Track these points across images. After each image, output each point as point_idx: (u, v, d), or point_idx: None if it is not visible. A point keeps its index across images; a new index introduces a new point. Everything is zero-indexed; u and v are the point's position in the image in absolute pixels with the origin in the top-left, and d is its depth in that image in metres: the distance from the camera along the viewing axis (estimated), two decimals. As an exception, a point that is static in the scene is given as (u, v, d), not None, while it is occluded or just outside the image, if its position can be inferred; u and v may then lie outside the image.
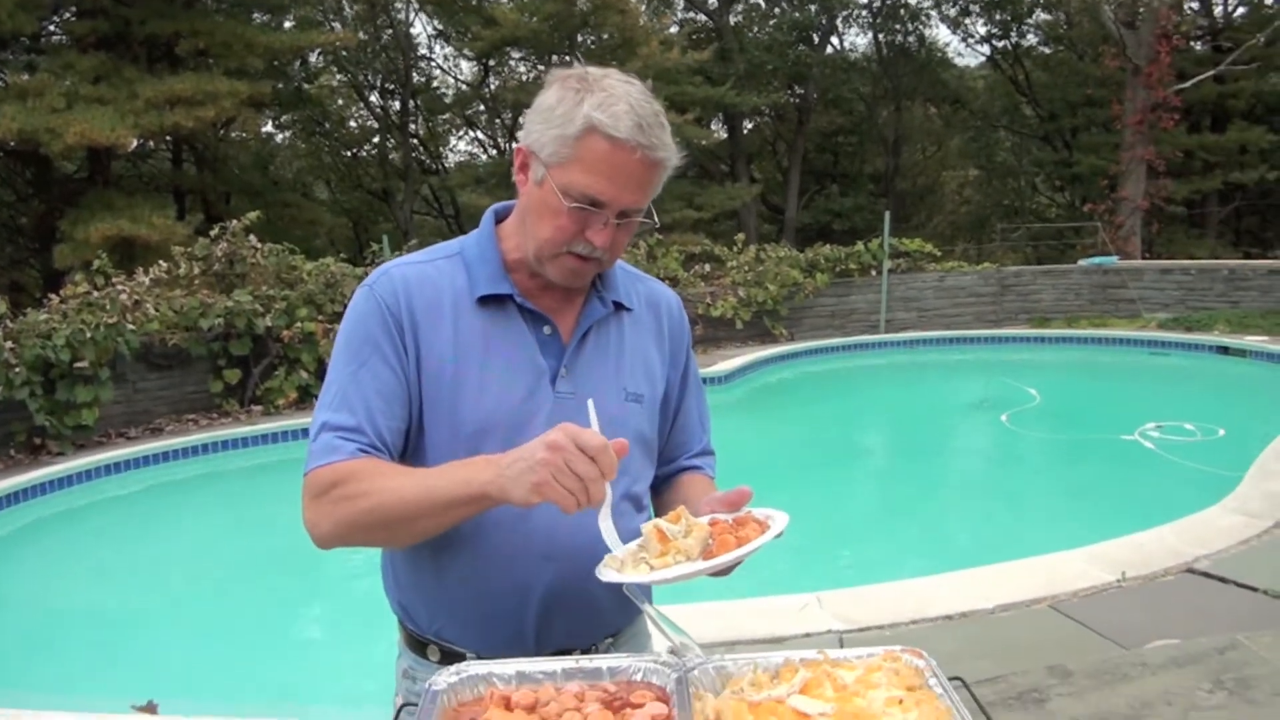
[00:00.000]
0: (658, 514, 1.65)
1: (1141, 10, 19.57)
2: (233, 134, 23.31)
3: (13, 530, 7.74)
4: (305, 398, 10.86)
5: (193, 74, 16.82)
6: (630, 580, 1.43)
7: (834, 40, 30.60)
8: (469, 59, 27.68)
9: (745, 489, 1.56)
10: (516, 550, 1.48)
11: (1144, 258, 19.34)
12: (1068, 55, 28.26)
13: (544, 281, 1.66)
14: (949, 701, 1.26)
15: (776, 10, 28.65)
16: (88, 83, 16.03)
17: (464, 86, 28.45)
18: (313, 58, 24.02)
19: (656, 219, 1.66)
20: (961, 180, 34.35)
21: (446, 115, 28.87)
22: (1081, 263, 15.82)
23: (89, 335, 9.29)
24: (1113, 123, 23.09)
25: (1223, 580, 4.78)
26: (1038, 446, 9.65)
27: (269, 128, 25.51)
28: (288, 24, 21.39)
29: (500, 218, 1.73)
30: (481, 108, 28.07)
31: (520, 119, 28.11)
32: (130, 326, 9.87)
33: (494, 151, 29.09)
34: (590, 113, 1.50)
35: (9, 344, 8.90)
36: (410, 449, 1.63)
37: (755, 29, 28.55)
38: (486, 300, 1.63)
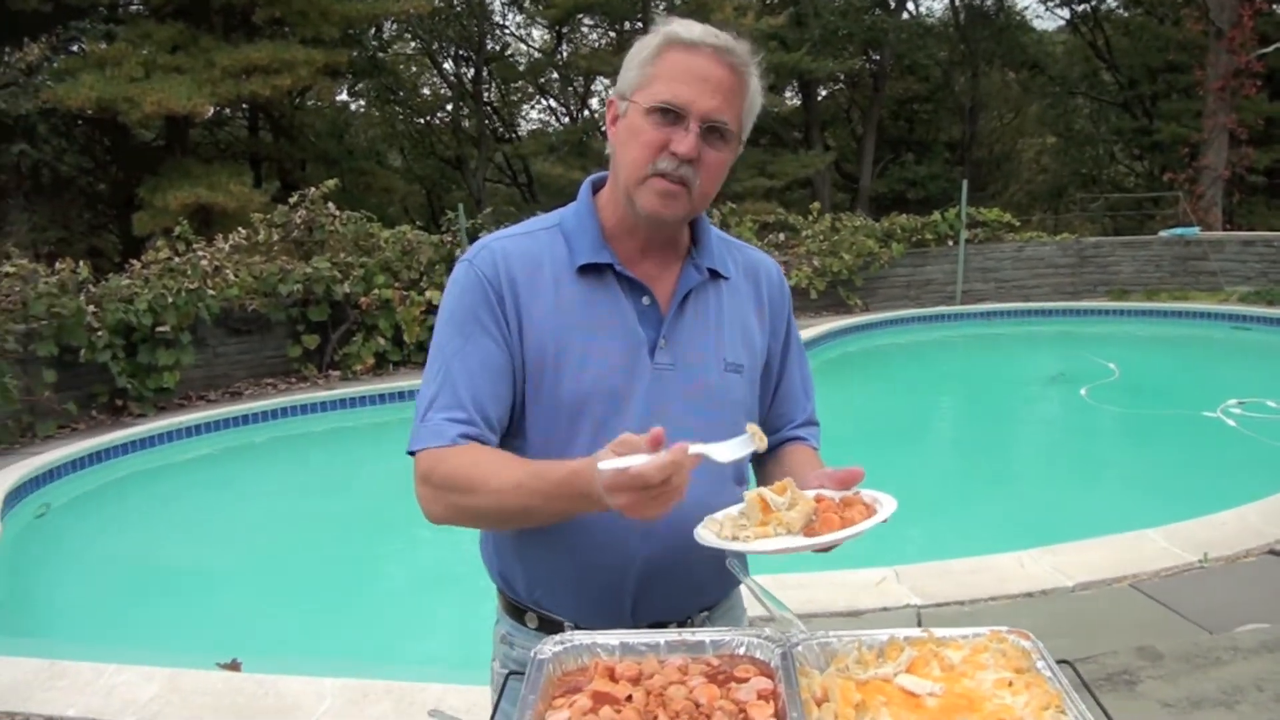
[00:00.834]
0: (760, 484, 1.64)
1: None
2: (308, 102, 23.49)
3: (95, 488, 7.96)
4: (382, 364, 11.04)
5: (269, 42, 16.99)
6: (728, 547, 1.42)
7: (910, 4, 30.09)
8: (542, 26, 27.66)
9: (858, 469, 1.55)
10: (618, 524, 1.48)
11: (1225, 229, 18.78)
12: (1148, 19, 27.37)
13: (641, 243, 1.66)
14: (1058, 685, 1.24)
15: (853, -26, 28.15)
16: (165, 52, 16.25)
17: (537, 54, 28.46)
18: (387, 26, 24.10)
19: (744, 141, 1.66)
20: (1039, 148, 33.52)
21: (519, 83, 28.90)
22: (1163, 234, 15.42)
23: (170, 300, 9.53)
24: (1194, 89, 22.37)
25: (1311, 562, 4.65)
26: (1116, 422, 9.44)
27: (344, 96, 25.68)
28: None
29: (597, 188, 1.73)
30: (555, 75, 28.07)
31: (593, 86, 27.93)
32: (210, 292, 10.10)
33: (566, 119, 29.11)
34: (665, 30, 1.59)
35: (91, 308, 9.16)
36: (514, 421, 1.64)
37: (831, -7, 28.09)
38: (586, 270, 1.63)
